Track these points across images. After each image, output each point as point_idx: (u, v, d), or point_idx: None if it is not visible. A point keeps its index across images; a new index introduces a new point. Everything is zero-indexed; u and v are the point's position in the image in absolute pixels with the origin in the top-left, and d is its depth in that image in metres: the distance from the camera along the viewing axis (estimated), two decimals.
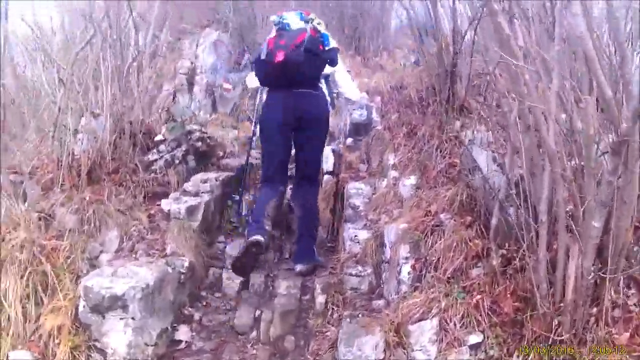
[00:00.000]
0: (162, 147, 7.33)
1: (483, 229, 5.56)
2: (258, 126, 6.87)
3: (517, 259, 4.87)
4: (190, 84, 10.20)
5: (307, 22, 6.45)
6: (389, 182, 7.17)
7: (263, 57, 6.07)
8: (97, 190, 6.38)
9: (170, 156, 7.31)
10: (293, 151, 6.77)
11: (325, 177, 8.04)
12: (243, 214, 7.44)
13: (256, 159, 8.26)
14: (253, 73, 6.79)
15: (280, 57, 5.99)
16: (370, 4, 13.26)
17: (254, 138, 8.19)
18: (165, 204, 6.62)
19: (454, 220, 5.77)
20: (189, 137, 7.59)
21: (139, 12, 7.58)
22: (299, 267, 6.39)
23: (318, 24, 6.49)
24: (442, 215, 5.88)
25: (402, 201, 6.80)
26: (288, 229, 7.53)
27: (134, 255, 5.93)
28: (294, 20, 6.46)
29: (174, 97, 9.96)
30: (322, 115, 6.55)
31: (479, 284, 5.10)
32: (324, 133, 6.73)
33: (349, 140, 8.51)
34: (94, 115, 6.81)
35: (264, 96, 6.77)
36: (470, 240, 5.46)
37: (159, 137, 7.44)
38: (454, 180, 6.43)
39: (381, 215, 6.80)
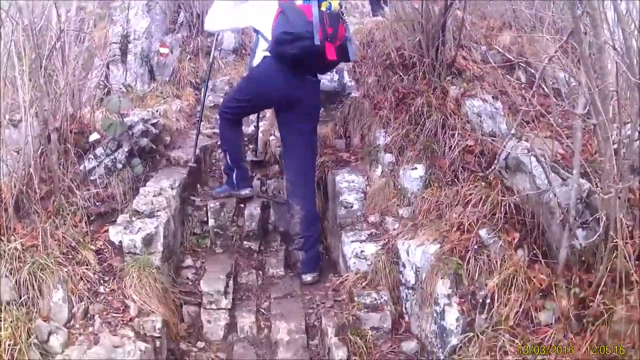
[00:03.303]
0: (99, 150, 5.80)
1: (537, 251, 4.43)
2: (251, 76, 6.00)
3: (595, 302, 3.82)
4: (124, 53, 8.73)
5: (341, 5, 5.50)
6: (384, 169, 5.96)
7: (317, 42, 5.23)
8: (30, 230, 4.90)
9: (110, 161, 5.81)
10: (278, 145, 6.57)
11: None
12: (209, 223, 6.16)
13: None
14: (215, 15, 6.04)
15: (332, 55, 5.37)
16: None
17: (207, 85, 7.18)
18: (115, 234, 5.18)
19: (499, 238, 4.57)
20: (130, 133, 6.03)
21: None
22: (309, 278, 5.75)
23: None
24: (482, 233, 4.67)
25: (408, 197, 5.63)
26: (265, 235, 6.30)
27: (90, 329, 4.54)
28: None
29: (106, 74, 8.52)
30: (317, 99, 6.02)
31: (553, 336, 3.99)
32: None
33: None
34: (14, 123, 5.33)
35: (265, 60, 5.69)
36: (529, 271, 4.32)
37: (93, 137, 5.87)
38: (475, 173, 5.21)
39: (385, 218, 5.61)
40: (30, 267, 4.54)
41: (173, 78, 8.86)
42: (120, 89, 8.13)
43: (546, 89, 5.15)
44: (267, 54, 5.56)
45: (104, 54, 8.48)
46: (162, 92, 8.30)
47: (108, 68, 8.57)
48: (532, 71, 5.76)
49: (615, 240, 3.65)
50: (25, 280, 4.49)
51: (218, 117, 6.37)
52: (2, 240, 4.66)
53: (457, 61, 6.15)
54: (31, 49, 5.15)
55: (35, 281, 4.51)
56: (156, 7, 9.11)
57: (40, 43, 5.34)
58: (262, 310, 5.46)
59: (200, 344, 5.20)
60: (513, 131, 4.88)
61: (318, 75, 5.90)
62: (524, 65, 6.07)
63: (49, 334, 4.33)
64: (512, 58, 5.79)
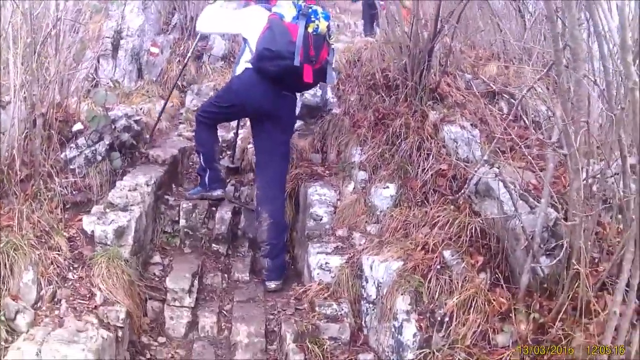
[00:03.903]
0: (81, 140, 5.85)
1: (499, 275, 4.54)
2: (231, 85, 6.16)
3: (554, 328, 3.90)
4: (115, 48, 8.86)
5: (329, 28, 5.66)
6: (356, 186, 6.05)
7: (296, 63, 5.37)
8: (7, 210, 4.96)
9: (91, 152, 5.86)
10: (253, 156, 6.62)
11: None
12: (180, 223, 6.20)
13: None
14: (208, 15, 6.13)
15: (309, 77, 5.51)
16: None
17: None
18: (88, 223, 5.24)
19: (462, 260, 4.67)
20: (113, 127, 6.09)
21: None
22: (273, 285, 5.78)
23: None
24: (446, 254, 4.77)
25: (377, 214, 5.71)
26: (233, 240, 6.38)
27: (56, 312, 4.57)
28: (322, 22, 5.55)
29: (96, 67, 8.65)
30: (292, 114, 6.15)
31: (509, 358, 4.04)
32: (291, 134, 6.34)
33: (299, 124, 7.22)
34: (2, 104, 5.35)
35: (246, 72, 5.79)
36: (490, 294, 4.41)
37: (77, 127, 5.93)
38: (445, 196, 5.33)
39: (353, 233, 5.69)
40: (4, 246, 4.58)
41: (160, 78, 8.95)
42: (108, 83, 8.20)
43: (526, 121, 5.28)
44: (250, 65, 5.67)
45: (96, 47, 8.52)
46: (148, 91, 8.40)
47: (98, 62, 8.66)
48: (514, 102, 5.88)
49: (576, 267, 3.74)
50: None
51: (194, 120, 6.46)
52: None
53: (440, 87, 6.28)
54: (27, 32, 5.21)
55: (8, 260, 4.55)
56: (152, 7, 9.24)
57: (37, 29, 5.41)
58: (224, 312, 5.51)
59: (161, 339, 5.24)
60: (485, 157, 4.98)
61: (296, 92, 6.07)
62: (507, 97, 6.21)
63: (16, 312, 4.36)
64: (494, 88, 5.94)
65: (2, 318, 4.30)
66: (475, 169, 4.94)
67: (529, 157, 4.57)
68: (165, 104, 7.11)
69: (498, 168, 4.82)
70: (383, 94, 6.51)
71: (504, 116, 6.13)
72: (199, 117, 6.13)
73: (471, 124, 5.92)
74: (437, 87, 6.25)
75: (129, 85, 8.61)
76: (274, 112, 5.73)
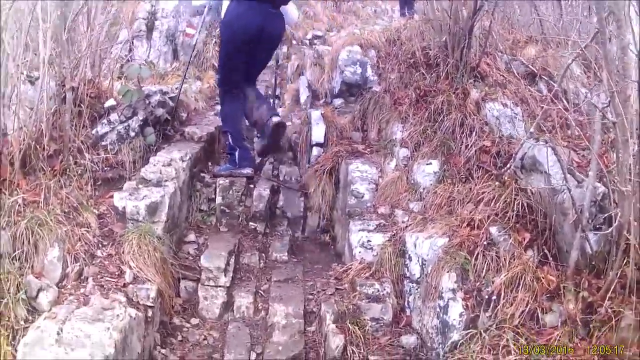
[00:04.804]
0: (113, 116, 5.74)
1: (547, 252, 4.33)
2: (222, 26, 6.31)
3: (603, 307, 3.70)
4: (150, 30, 8.90)
5: None
6: (398, 163, 5.87)
7: None
8: (34, 186, 4.78)
9: (123, 128, 5.75)
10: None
11: (315, 150, 6.66)
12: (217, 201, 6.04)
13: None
14: None
15: None
16: None
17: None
18: (119, 199, 5.08)
19: (509, 237, 4.46)
20: (147, 102, 5.96)
21: None
22: (276, 119, 6.09)
23: None
24: (493, 230, 4.55)
25: (419, 192, 5.53)
26: (272, 219, 6.26)
27: (82, 290, 4.35)
28: None
29: (130, 48, 8.63)
30: (282, 33, 6.46)
31: (558, 339, 3.84)
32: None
33: (338, 102, 7.08)
34: (31, 80, 5.21)
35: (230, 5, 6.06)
36: (540, 272, 4.18)
37: (109, 103, 5.83)
38: (490, 173, 5.13)
39: (395, 210, 5.50)
40: (29, 222, 4.39)
41: (196, 60, 8.84)
42: (143, 64, 8.09)
43: (566, 103, 5.08)
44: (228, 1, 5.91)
45: (130, 28, 8.46)
46: (183, 72, 8.22)
47: (132, 43, 8.66)
48: (554, 84, 5.72)
49: (627, 242, 3.53)
50: (22, 235, 4.34)
51: (218, 96, 6.56)
52: (4, 194, 4.52)
53: (480, 66, 6.14)
54: (56, 6, 5.07)
55: (32, 236, 4.36)
56: None
57: (67, 3, 5.29)
58: (261, 292, 5.32)
59: (194, 321, 5.05)
60: (532, 130, 4.77)
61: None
62: (546, 79, 6.02)
63: (39, 290, 4.15)
64: (534, 70, 5.76)
65: (24, 296, 4.09)
66: (523, 141, 4.71)
67: (576, 128, 4.34)
68: (184, 78, 7.09)
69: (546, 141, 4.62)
70: (424, 72, 6.37)
71: (543, 97, 5.94)
72: (220, 92, 6.31)
73: (513, 103, 5.75)
74: (477, 65, 6.12)
75: (164, 67, 8.60)
76: (265, 29, 5.92)
